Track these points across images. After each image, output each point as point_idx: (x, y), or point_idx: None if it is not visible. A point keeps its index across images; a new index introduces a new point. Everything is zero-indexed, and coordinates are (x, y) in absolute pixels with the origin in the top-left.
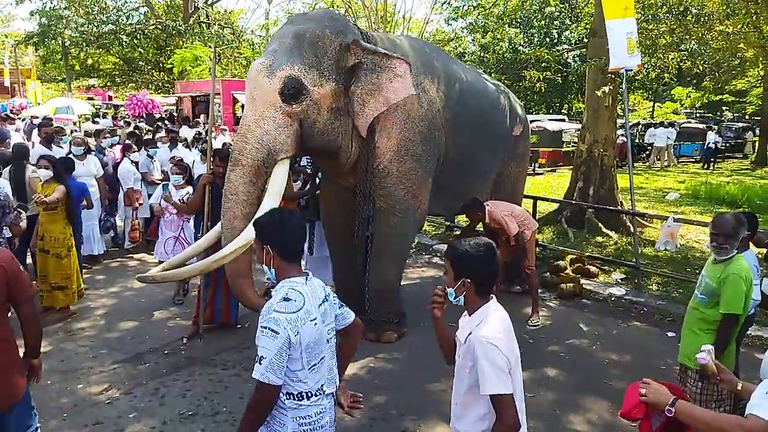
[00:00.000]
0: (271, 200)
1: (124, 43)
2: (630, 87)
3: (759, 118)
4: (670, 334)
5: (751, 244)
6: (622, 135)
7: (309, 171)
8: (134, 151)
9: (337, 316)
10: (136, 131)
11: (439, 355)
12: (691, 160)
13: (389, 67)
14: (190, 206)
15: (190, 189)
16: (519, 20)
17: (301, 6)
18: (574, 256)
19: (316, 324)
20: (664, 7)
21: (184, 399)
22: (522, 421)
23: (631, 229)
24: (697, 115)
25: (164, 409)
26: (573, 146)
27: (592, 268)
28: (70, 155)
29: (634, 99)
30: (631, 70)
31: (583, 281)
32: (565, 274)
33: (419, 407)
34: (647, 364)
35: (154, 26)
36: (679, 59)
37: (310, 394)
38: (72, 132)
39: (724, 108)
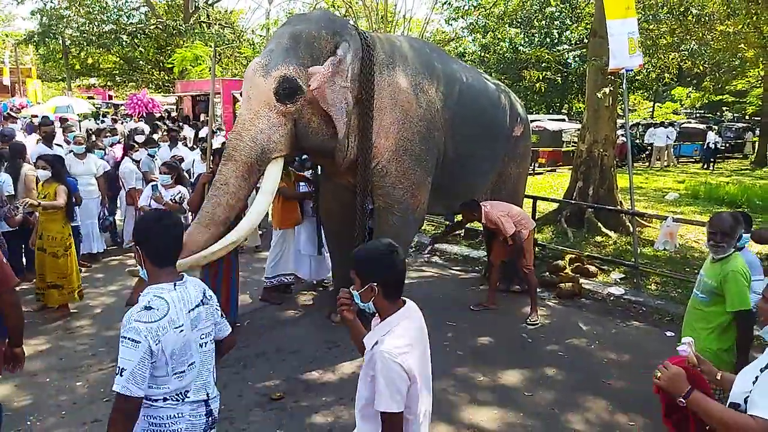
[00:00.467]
0: (264, 198)
1: (124, 42)
2: (630, 87)
3: (759, 118)
4: (669, 333)
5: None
6: (622, 135)
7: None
8: (136, 150)
9: (217, 323)
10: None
11: (439, 354)
12: (690, 160)
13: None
14: (190, 205)
15: (180, 188)
16: (519, 20)
17: (301, 6)
18: (574, 256)
19: (182, 331)
20: (665, 7)
21: None
22: (425, 423)
23: (631, 228)
24: (697, 115)
25: None
26: (573, 146)
27: (592, 268)
28: (70, 154)
29: (635, 99)
30: (631, 70)
31: (582, 281)
32: (564, 273)
33: None
34: (646, 364)
35: (154, 26)
36: (679, 59)
37: (167, 398)
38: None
39: (724, 108)
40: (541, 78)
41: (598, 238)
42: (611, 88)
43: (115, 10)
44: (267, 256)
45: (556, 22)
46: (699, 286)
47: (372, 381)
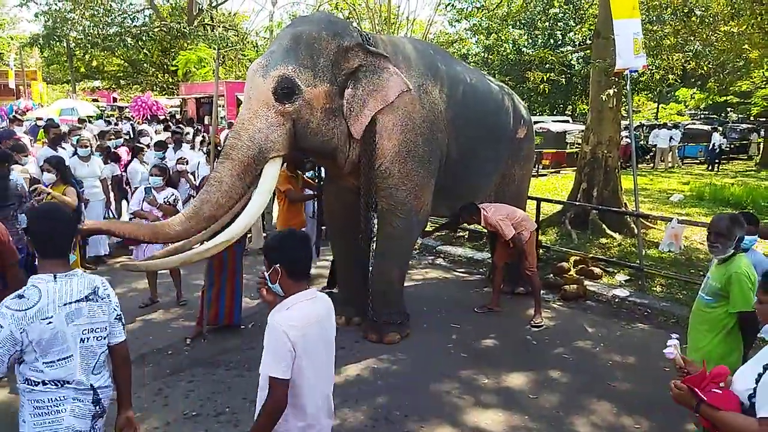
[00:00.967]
0: (260, 198)
1: (129, 45)
2: (634, 88)
3: (764, 119)
4: (674, 335)
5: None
6: (627, 136)
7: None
8: (145, 153)
9: (111, 324)
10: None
11: (443, 356)
12: (695, 161)
13: (386, 68)
14: None
15: (172, 190)
16: (523, 21)
17: (305, 8)
18: (578, 258)
19: (50, 323)
20: (669, 8)
21: (187, 399)
22: (323, 413)
23: (635, 230)
24: (702, 116)
25: (167, 409)
26: (577, 148)
27: (596, 270)
28: (74, 156)
29: (639, 100)
30: (635, 71)
31: (586, 283)
32: (568, 275)
33: (423, 409)
34: (651, 366)
35: (158, 28)
36: (683, 60)
37: (45, 382)
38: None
39: (728, 109)
40: (544, 79)
41: (603, 240)
42: (615, 90)
43: (120, 12)
44: None
45: (559, 24)
46: (704, 288)
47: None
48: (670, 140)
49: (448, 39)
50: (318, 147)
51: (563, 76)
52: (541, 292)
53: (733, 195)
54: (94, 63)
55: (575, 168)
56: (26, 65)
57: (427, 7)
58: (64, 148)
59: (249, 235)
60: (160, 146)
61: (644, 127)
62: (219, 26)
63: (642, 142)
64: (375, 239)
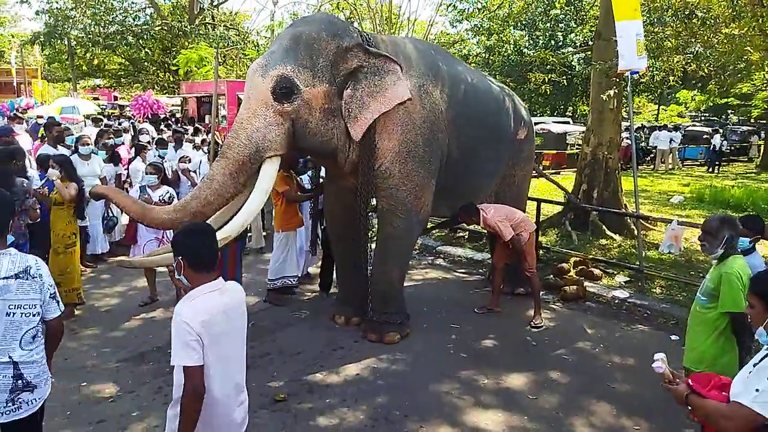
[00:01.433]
0: (258, 196)
1: (130, 43)
2: (635, 90)
3: (764, 121)
4: (673, 337)
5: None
6: (627, 138)
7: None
8: (148, 151)
9: (45, 302)
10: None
11: (443, 356)
12: (696, 163)
13: (392, 71)
14: None
15: (168, 189)
16: (524, 23)
17: (306, 8)
18: (578, 259)
19: None
20: (670, 10)
21: None
22: (234, 401)
23: (635, 231)
24: (702, 118)
25: (167, 407)
26: (577, 149)
27: (596, 271)
28: (74, 155)
29: (639, 102)
30: (637, 72)
31: (586, 284)
32: (568, 276)
33: (422, 408)
34: (650, 368)
35: (159, 27)
36: (684, 62)
37: None
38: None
39: (729, 111)
40: (545, 80)
41: (603, 241)
42: (616, 91)
43: (121, 11)
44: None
45: (560, 25)
46: (701, 289)
47: None
48: (670, 142)
49: (449, 39)
50: (317, 147)
51: (564, 77)
52: (541, 293)
53: (734, 197)
54: (95, 61)
55: (575, 169)
56: (27, 63)
57: (429, 8)
58: (66, 146)
59: (249, 234)
60: (161, 144)
61: (645, 129)
62: (220, 25)
63: (642, 144)
64: (375, 239)
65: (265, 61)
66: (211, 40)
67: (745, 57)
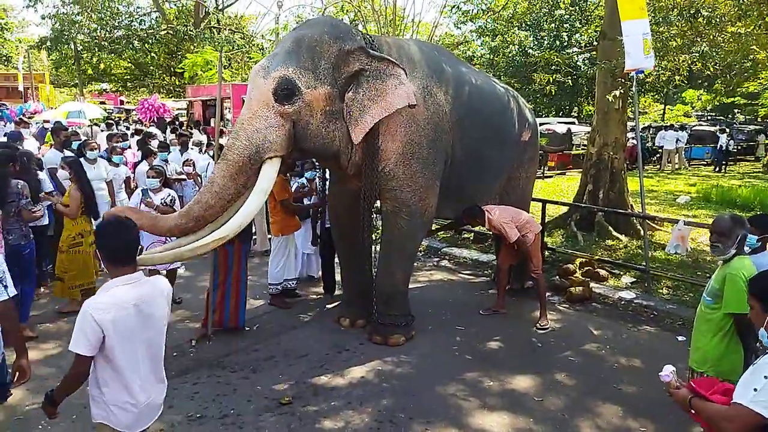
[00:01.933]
0: (257, 197)
1: (136, 47)
2: (641, 89)
3: None
4: (680, 338)
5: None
6: (633, 138)
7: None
8: (155, 156)
9: None
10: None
11: (448, 358)
12: (702, 162)
13: (395, 75)
14: None
15: (169, 191)
16: (528, 23)
17: (311, 11)
18: (584, 260)
19: None
20: (675, 9)
21: (192, 401)
22: (148, 392)
23: (642, 232)
24: (709, 117)
25: (172, 411)
26: (583, 149)
27: (602, 272)
28: (81, 158)
29: (645, 101)
30: (642, 72)
31: (592, 285)
32: (574, 277)
33: (428, 411)
34: (657, 369)
35: (165, 31)
36: (690, 61)
37: None
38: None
39: (735, 110)
40: (550, 81)
41: (609, 242)
42: (621, 91)
43: (127, 15)
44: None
45: (565, 25)
46: (707, 289)
47: None
48: (676, 142)
49: (454, 41)
50: (318, 149)
51: (569, 77)
52: (547, 294)
53: (741, 197)
54: (102, 66)
55: (581, 169)
56: (34, 68)
57: (433, 10)
58: (72, 150)
59: (254, 237)
60: (163, 148)
61: (651, 129)
62: (225, 29)
63: (648, 144)
64: (380, 241)
65: (267, 62)
66: (216, 44)
67: (751, 56)
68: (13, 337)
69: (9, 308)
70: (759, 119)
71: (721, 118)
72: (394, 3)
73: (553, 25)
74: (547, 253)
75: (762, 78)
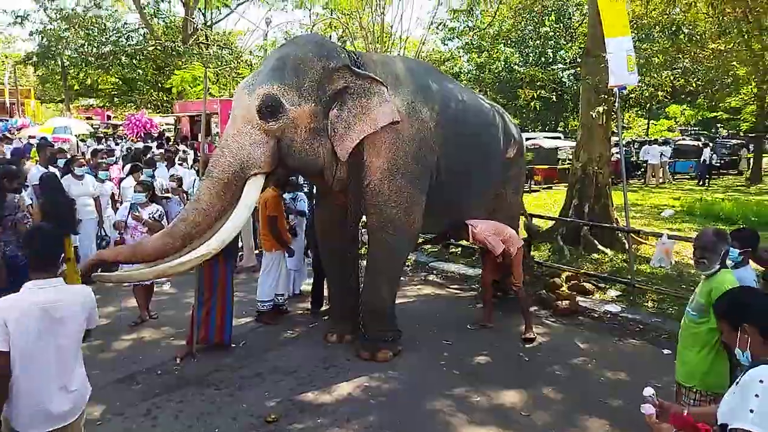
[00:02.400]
0: (241, 213)
1: (123, 63)
2: (624, 105)
3: (753, 135)
4: (665, 351)
5: (751, 261)
6: (617, 153)
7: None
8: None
9: None
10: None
11: (436, 373)
12: (686, 176)
13: (378, 92)
14: None
15: (158, 207)
16: (514, 40)
17: (299, 27)
18: (570, 274)
19: None
20: (657, 26)
21: (176, 420)
22: (53, 398)
23: (627, 246)
24: (692, 132)
25: (156, 430)
26: (569, 164)
27: (588, 286)
28: (68, 175)
29: (629, 117)
30: (624, 88)
31: (579, 298)
32: (561, 291)
33: (415, 427)
34: (643, 382)
35: (153, 47)
36: (672, 77)
37: None
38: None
39: (718, 125)
40: (536, 96)
41: (595, 256)
42: (605, 107)
43: (114, 31)
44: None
45: (550, 42)
46: (691, 304)
47: None
48: (660, 156)
49: (441, 57)
50: (303, 165)
51: (554, 93)
52: (534, 308)
53: (724, 210)
54: (89, 81)
55: (567, 184)
56: (20, 84)
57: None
58: (56, 166)
59: (241, 254)
60: (149, 164)
61: (635, 144)
62: (213, 45)
63: (633, 158)
64: (366, 256)
65: (252, 79)
66: (204, 60)
67: (732, 72)
68: None
69: None
70: (741, 134)
71: (705, 132)
72: (381, 20)
73: (538, 41)
74: (534, 266)
75: (743, 93)
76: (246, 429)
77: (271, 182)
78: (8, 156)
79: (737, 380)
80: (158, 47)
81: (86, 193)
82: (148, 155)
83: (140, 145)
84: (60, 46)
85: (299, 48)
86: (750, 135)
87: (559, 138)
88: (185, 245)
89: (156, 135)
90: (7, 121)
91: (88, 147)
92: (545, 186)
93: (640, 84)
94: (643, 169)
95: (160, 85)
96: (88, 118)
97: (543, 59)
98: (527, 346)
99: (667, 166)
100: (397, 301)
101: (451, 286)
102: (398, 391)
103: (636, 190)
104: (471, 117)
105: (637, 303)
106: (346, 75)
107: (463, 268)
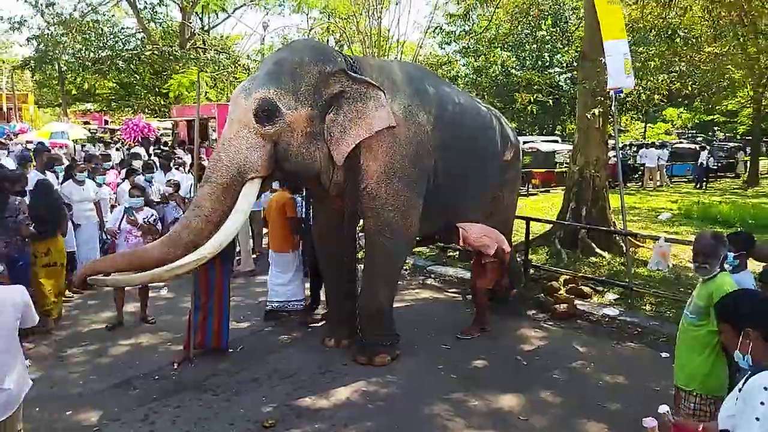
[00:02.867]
0: (237, 217)
1: (120, 68)
2: (621, 108)
3: (750, 137)
4: (663, 354)
5: (747, 263)
6: (615, 156)
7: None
8: (137, 175)
9: None
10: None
11: (433, 377)
12: (683, 179)
13: (374, 97)
14: None
15: (152, 211)
16: (511, 44)
17: (296, 32)
18: (568, 277)
19: None
20: (653, 30)
21: (173, 425)
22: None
23: (624, 249)
24: (689, 135)
25: None
26: (566, 167)
27: (586, 289)
28: (69, 180)
29: (626, 120)
30: (621, 92)
31: (576, 302)
32: (559, 294)
33: (413, 431)
34: (641, 386)
35: (150, 51)
36: (669, 81)
37: None
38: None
39: (715, 128)
40: (532, 100)
41: (593, 259)
42: (601, 110)
43: (112, 36)
44: (267, 280)
45: (547, 46)
46: (689, 307)
47: None
48: (658, 159)
49: (438, 61)
50: (300, 169)
51: (551, 96)
52: (531, 312)
53: (721, 213)
54: (86, 86)
55: (564, 187)
56: (17, 89)
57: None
58: (53, 171)
59: (238, 258)
60: (148, 169)
61: (632, 147)
62: (211, 50)
63: (630, 162)
64: (363, 260)
65: (248, 84)
66: (202, 64)
67: (728, 75)
68: None
69: None
70: (738, 136)
71: (702, 135)
72: (379, 24)
73: (535, 45)
74: (531, 270)
75: (740, 96)
76: None
77: (286, 187)
78: (8, 161)
79: (738, 386)
80: (155, 52)
81: (87, 198)
82: (144, 159)
83: (138, 149)
84: (57, 51)
85: (296, 52)
86: (747, 138)
87: (557, 141)
88: (188, 253)
89: (153, 140)
90: (7, 126)
91: (86, 151)
92: (543, 189)
93: (636, 87)
94: (640, 173)
95: (157, 89)
96: (85, 123)
97: (540, 63)
98: (462, 339)
99: (665, 170)
100: (394, 305)
101: (449, 290)
102: (396, 396)
103: (633, 193)
104: (468, 120)
105: (634, 306)
106: (342, 79)
107: (461, 272)
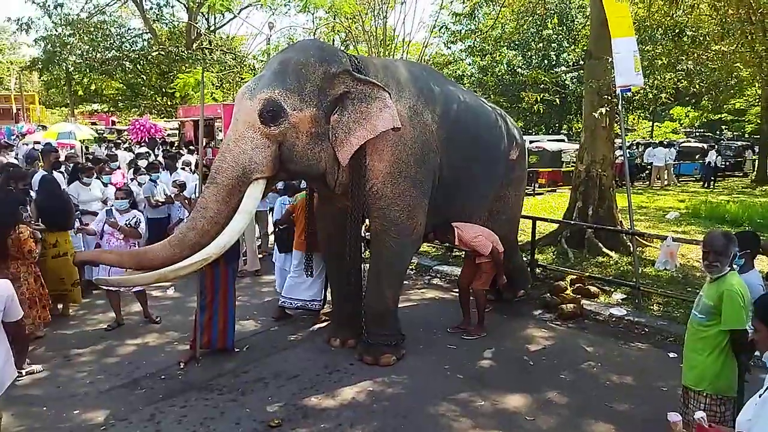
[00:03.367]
0: (241, 218)
1: (127, 68)
2: (628, 107)
3: (758, 136)
4: (671, 354)
5: (755, 263)
6: (621, 155)
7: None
8: (141, 174)
9: None
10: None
11: (439, 378)
12: (691, 179)
13: (379, 97)
14: None
15: (135, 213)
16: (517, 43)
17: (302, 32)
18: (575, 277)
19: None
20: (660, 28)
21: (179, 425)
22: None
23: (631, 248)
24: (697, 134)
25: None
26: (572, 166)
27: (593, 289)
28: (75, 181)
29: (633, 119)
30: (629, 90)
31: (584, 302)
32: (565, 294)
33: (419, 431)
34: (649, 386)
35: (157, 52)
36: (676, 79)
37: None
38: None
39: (723, 127)
40: (539, 99)
41: (599, 259)
42: (608, 108)
43: (118, 37)
44: (271, 279)
45: (553, 45)
46: (697, 306)
47: None
48: (665, 158)
49: (444, 60)
50: (305, 170)
51: (557, 95)
52: (538, 311)
53: (729, 212)
54: (93, 86)
55: (571, 187)
56: (25, 89)
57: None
58: (60, 172)
59: (244, 258)
60: (152, 169)
61: (639, 146)
62: (217, 50)
63: (637, 161)
64: (369, 260)
65: (253, 84)
66: (207, 65)
67: (736, 73)
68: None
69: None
70: (746, 135)
71: (709, 134)
72: (384, 23)
73: (541, 44)
74: (537, 270)
75: (748, 95)
76: None
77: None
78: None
79: (760, 391)
80: (162, 52)
81: (94, 198)
82: (150, 160)
83: (144, 150)
84: (65, 52)
85: (301, 53)
86: (755, 136)
87: (563, 140)
88: (193, 254)
89: (160, 140)
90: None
91: (92, 153)
92: (549, 189)
93: (644, 86)
94: (647, 172)
95: (164, 90)
96: (92, 123)
97: (546, 62)
98: (465, 338)
99: (672, 168)
100: (400, 305)
101: (455, 290)
102: (402, 396)
103: (640, 192)
104: (473, 119)
105: (642, 306)
106: (346, 80)
107: None
